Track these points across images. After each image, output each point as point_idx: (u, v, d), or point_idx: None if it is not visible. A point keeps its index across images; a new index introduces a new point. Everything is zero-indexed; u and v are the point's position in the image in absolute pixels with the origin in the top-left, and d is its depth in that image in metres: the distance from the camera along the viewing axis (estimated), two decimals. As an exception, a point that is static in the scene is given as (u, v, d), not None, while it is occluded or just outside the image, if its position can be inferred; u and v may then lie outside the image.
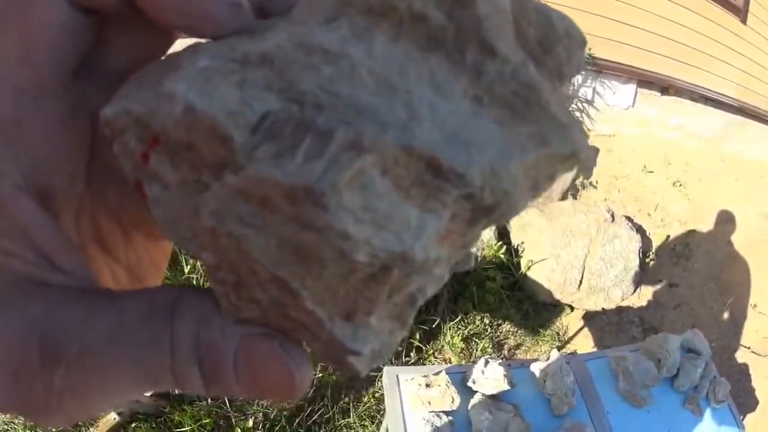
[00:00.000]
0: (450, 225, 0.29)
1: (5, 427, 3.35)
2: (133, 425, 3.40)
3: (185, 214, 0.29)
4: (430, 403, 2.56)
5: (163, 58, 0.34)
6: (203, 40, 0.31)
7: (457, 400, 2.59)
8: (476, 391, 2.68)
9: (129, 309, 0.30)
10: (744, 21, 7.33)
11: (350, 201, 0.25)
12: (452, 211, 0.28)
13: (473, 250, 0.35)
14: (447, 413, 2.57)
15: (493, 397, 2.66)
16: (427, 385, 2.61)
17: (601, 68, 6.17)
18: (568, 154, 0.30)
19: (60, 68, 0.31)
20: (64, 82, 0.31)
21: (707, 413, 2.92)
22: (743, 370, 4.71)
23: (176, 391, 3.46)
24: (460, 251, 0.32)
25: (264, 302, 0.29)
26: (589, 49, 6.11)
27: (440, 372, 2.69)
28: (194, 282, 3.64)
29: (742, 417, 3.22)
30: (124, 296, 0.31)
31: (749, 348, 4.88)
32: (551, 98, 0.30)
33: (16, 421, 3.36)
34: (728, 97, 7.13)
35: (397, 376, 2.71)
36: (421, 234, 0.27)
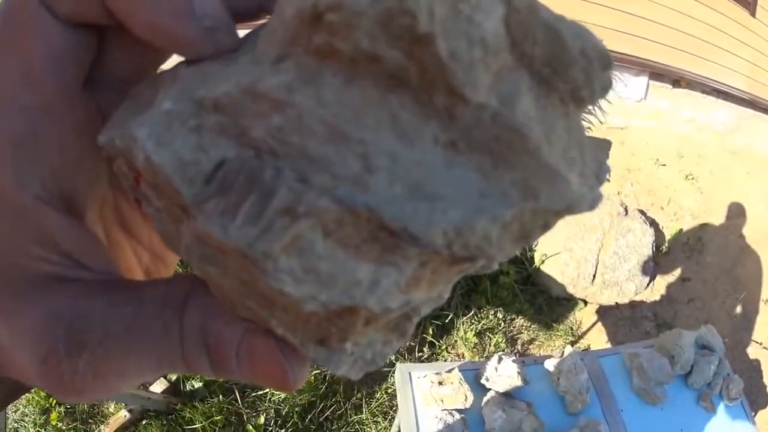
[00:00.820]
0: (420, 272, 0.27)
1: (16, 425, 3.38)
2: (144, 422, 3.43)
3: (173, 237, 0.31)
4: (442, 401, 2.55)
5: (161, 69, 0.34)
6: None
7: (470, 398, 2.57)
8: (489, 389, 2.67)
9: (145, 300, 0.32)
10: (753, 14, 7.30)
11: (287, 265, 0.25)
12: (419, 260, 0.26)
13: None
14: (460, 411, 2.55)
15: (506, 394, 2.65)
16: (440, 383, 2.60)
17: (613, 60, 6.14)
18: (561, 209, 0.26)
19: (64, 85, 0.32)
20: (71, 96, 0.32)
21: (720, 411, 2.91)
22: (755, 366, 4.69)
23: (187, 389, 3.49)
24: (457, 276, 0.30)
25: (251, 316, 0.30)
26: (601, 41, 6.02)
27: (453, 369, 2.68)
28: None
29: (753, 414, 3.21)
30: (142, 287, 0.33)
31: (761, 344, 4.86)
32: (545, 139, 0.26)
33: (26, 418, 3.39)
34: (739, 90, 7.10)
35: (409, 373, 2.70)
36: (374, 289, 0.26)
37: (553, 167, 0.26)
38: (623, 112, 6.41)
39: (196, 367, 0.33)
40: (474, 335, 4.27)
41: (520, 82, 0.26)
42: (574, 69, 0.27)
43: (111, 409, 3.51)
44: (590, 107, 0.31)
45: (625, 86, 6.42)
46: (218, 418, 3.44)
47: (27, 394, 3.25)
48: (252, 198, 0.25)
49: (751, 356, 4.76)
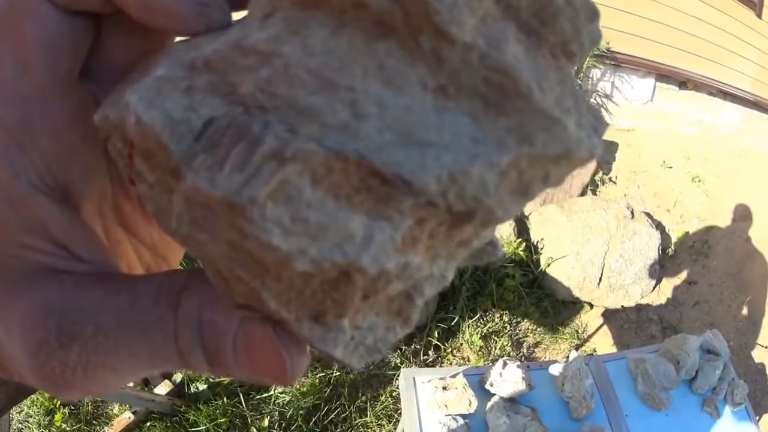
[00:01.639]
0: (417, 231, 0.26)
1: (20, 426, 3.38)
2: (148, 424, 3.43)
3: (166, 211, 0.30)
4: (446, 406, 2.55)
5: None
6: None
7: (474, 404, 2.58)
8: (494, 394, 2.67)
9: (140, 292, 0.31)
10: (759, 15, 7.28)
11: (274, 213, 0.24)
12: (416, 217, 0.26)
13: (498, 238, 0.32)
14: (463, 416, 2.56)
15: (510, 399, 2.65)
16: (444, 388, 2.60)
17: (620, 62, 6.15)
18: (559, 154, 0.26)
19: (60, 73, 0.32)
20: (67, 85, 0.32)
21: (725, 416, 2.90)
22: (760, 370, 4.68)
23: (192, 391, 3.49)
24: (459, 250, 0.30)
25: (246, 295, 0.29)
26: (607, 43, 6.13)
27: (457, 374, 2.69)
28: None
29: (758, 417, 3.20)
30: (137, 280, 0.33)
31: (766, 347, 4.85)
32: (536, 85, 0.26)
33: (31, 420, 3.39)
34: (745, 91, 7.09)
35: (413, 378, 2.70)
36: (368, 244, 0.25)
37: (547, 111, 0.25)
38: (630, 113, 6.42)
39: (191, 362, 0.32)
40: (479, 338, 4.27)
41: (507, 30, 0.26)
42: (560, 19, 0.27)
43: (115, 411, 3.52)
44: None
45: (632, 88, 6.42)
46: (222, 420, 3.44)
47: (31, 396, 3.26)
48: (239, 147, 0.25)
49: (756, 360, 4.75)
